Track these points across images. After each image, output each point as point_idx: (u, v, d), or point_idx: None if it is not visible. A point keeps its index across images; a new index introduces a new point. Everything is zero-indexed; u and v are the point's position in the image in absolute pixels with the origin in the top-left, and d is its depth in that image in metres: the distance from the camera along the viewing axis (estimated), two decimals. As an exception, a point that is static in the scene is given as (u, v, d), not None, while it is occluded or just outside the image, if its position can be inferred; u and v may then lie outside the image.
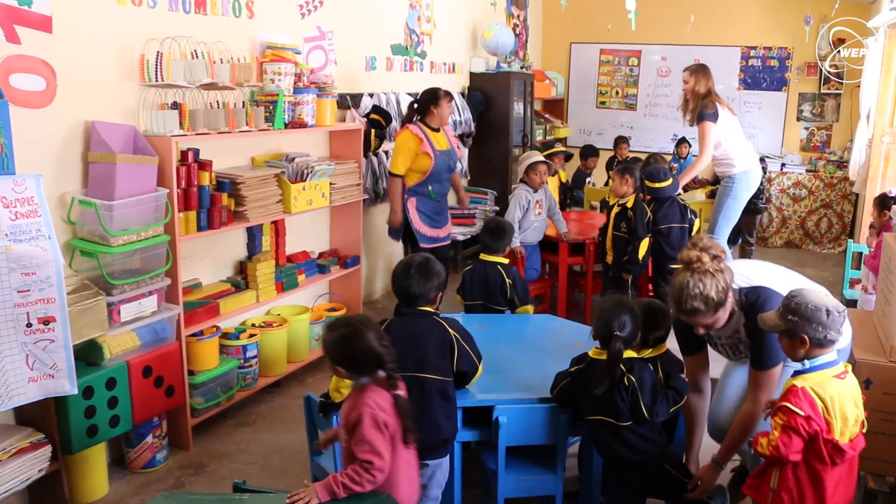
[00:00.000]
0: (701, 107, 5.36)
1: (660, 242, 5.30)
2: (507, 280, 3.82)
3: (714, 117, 5.34)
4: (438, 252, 4.79)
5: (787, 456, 2.21)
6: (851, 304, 4.80)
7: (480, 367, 2.76)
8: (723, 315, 2.50)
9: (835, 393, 2.21)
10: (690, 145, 7.69)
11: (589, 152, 7.49)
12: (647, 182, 5.29)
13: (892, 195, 4.97)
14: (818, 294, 2.29)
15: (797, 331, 2.23)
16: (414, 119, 4.83)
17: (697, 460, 2.85)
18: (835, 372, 2.26)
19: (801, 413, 2.17)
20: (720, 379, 2.99)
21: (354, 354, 2.26)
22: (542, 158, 5.19)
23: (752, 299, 2.56)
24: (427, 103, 4.79)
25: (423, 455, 2.66)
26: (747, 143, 5.60)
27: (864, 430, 2.32)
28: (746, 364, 2.71)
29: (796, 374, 2.29)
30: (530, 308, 3.88)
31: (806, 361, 2.27)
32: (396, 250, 6.23)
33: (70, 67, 3.19)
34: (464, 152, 5.82)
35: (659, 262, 5.37)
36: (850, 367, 2.35)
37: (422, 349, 2.62)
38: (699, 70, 5.44)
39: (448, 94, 4.88)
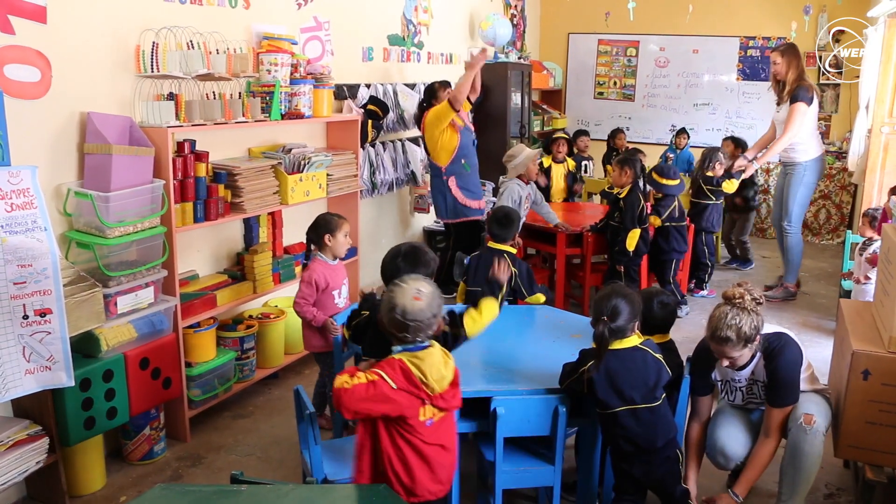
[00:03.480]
0: (799, 87, 5.45)
1: (678, 237, 5.35)
2: (513, 269, 3.83)
3: (810, 101, 5.46)
4: (479, 224, 5.49)
5: (347, 404, 2.21)
6: (848, 295, 4.80)
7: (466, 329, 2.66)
8: (747, 353, 2.77)
9: (431, 361, 2.26)
10: (689, 136, 7.68)
11: (578, 134, 7.51)
12: (654, 175, 5.32)
13: None
14: (411, 293, 2.29)
15: (406, 328, 2.28)
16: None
17: (696, 480, 3.06)
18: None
19: (394, 386, 2.20)
20: (716, 413, 3.16)
21: None
22: (535, 151, 5.21)
23: (774, 344, 2.83)
24: (430, 99, 5.41)
25: None
26: (817, 131, 5.75)
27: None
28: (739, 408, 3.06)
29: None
30: (541, 297, 3.89)
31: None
32: (394, 241, 6.21)
33: (65, 58, 3.17)
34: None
35: (674, 254, 5.40)
36: None
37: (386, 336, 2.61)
38: (790, 51, 5.51)
39: (444, 85, 5.42)
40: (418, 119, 5.53)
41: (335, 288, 3.58)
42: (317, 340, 3.61)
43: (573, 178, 6.63)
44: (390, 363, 2.26)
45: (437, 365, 2.28)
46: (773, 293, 5.93)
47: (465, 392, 2.74)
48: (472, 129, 5.59)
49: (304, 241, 3.73)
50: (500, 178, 5.45)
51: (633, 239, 4.91)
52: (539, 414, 2.74)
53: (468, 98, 5.46)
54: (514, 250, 3.96)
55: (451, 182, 5.36)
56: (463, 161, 5.36)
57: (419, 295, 2.28)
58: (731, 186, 5.90)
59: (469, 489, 3.11)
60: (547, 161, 6.58)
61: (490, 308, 2.64)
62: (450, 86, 5.43)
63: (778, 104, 5.77)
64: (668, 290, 5.35)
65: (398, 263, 2.71)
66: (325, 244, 3.58)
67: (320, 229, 3.58)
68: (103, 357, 3.18)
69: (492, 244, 3.96)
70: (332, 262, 3.61)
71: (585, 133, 7.63)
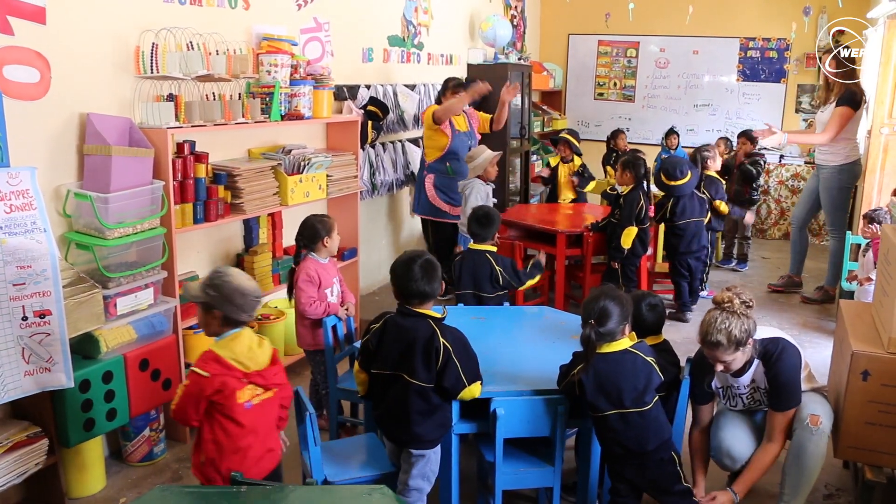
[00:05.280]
0: (849, 91, 5.50)
1: (676, 236, 5.35)
2: (497, 268, 3.86)
3: (857, 105, 5.51)
4: (450, 228, 5.44)
5: (183, 416, 2.44)
6: (849, 295, 4.80)
7: (474, 388, 2.66)
8: (740, 356, 2.74)
9: (240, 341, 2.45)
10: (678, 135, 7.68)
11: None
12: (664, 179, 5.31)
13: None
14: (242, 277, 2.52)
15: (214, 305, 2.44)
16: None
17: (703, 485, 3.02)
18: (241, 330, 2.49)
19: (206, 374, 2.37)
20: (718, 415, 3.15)
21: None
22: (494, 153, 5.15)
23: (771, 349, 2.82)
24: (441, 92, 5.52)
25: (400, 443, 2.74)
26: (856, 137, 5.80)
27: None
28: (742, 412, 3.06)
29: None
30: (537, 276, 3.99)
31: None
32: (393, 242, 6.22)
33: (64, 59, 3.17)
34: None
35: (673, 256, 5.41)
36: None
37: (410, 353, 2.62)
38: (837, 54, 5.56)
39: (456, 87, 5.42)
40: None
41: (327, 286, 3.58)
42: (309, 338, 3.61)
43: (580, 176, 6.65)
44: (201, 357, 2.44)
45: (245, 344, 2.46)
46: (813, 295, 5.95)
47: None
48: (478, 136, 5.60)
49: (295, 246, 3.70)
50: (459, 182, 5.36)
51: (628, 237, 4.92)
52: (539, 415, 2.74)
53: (491, 128, 5.70)
54: (494, 248, 3.97)
55: (428, 180, 5.39)
56: (448, 164, 5.34)
57: (249, 280, 2.54)
58: (722, 207, 5.88)
59: (469, 490, 3.11)
60: (554, 160, 6.60)
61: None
62: (463, 88, 5.39)
63: (822, 104, 5.83)
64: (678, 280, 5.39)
65: (415, 269, 2.64)
66: (323, 246, 3.59)
67: (317, 234, 3.57)
68: (103, 358, 3.18)
69: (473, 245, 3.97)
70: (324, 261, 3.62)
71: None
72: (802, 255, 6.09)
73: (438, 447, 2.75)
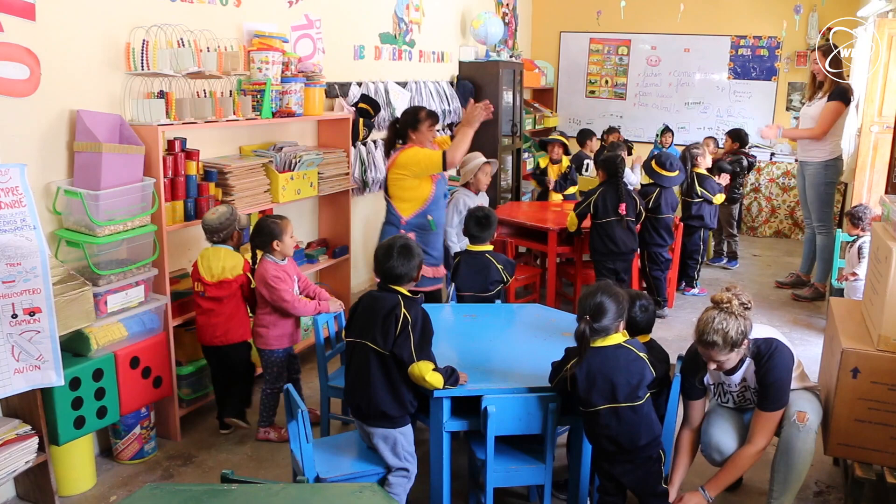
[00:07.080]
0: (841, 87, 5.55)
1: (654, 228, 5.38)
2: (498, 265, 3.87)
3: (848, 102, 5.57)
4: (434, 294, 4.42)
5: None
6: (840, 293, 4.82)
7: (424, 369, 2.67)
8: (734, 357, 2.76)
9: (205, 254, 3.55)
10: (673, 133, 7.69)
11: (587, 135, 7.49)
12: (654, 165, 5.35)
13: None
14: (209, 212, 3.56)
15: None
16: (396, 144, 4.36)
17: (679, 484, 3.01)
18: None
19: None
20: (709, 411, 3.15)
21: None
22: (487, 159, 4.79)
23: (764, 349, 2.82)
24: (406, 126, 4.30)
25: (365, 421, 2.81)
26: (841, 134, 5.84)
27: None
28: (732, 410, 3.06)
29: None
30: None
31: None
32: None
33: (54, 55, 3.15)
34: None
35: (648, 247, 5.43)
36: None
37: (372, 318, 2.75)
38: (830, 51, 5.59)
39: (431, 116, 4.35)
40: (389, 145, 4.45)
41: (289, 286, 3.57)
42: (271, 337, 3.58)
43: (564, 178, 6.65)
44: None
45: (207, 257, 3.53)
46: (803, 293, 5.97)
47: (457, 391, 2.75)
48: (447, 177, 4.73)
49: (251, 247, 3.64)
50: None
51: (571, 221, 5.06)
52: (530, 412, 2.74)
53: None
54: (491, 247, 3.98)
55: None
56: (430, 217, 4.29)
57: (214, 212, 3.52)
58: (718, 200, 5.96)
59: (460, 487, 3.11)
60: (544, 161, 6.60)
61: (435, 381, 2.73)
62: (437, 120, 4.46)
63: (809, 99, 5.87)
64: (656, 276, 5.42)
65: (393, 252, 2.81)
66: (274, 249, 3.53)
67: (266, 237, 3.51)
68: (93, 356, 3.16)
69: (471, 246, 3.97)
70: (282, 262, 3.56)
71: (591, 135, 7.54)
72: (815, 254, 6.10)
73: (407, 428, 2.82)
